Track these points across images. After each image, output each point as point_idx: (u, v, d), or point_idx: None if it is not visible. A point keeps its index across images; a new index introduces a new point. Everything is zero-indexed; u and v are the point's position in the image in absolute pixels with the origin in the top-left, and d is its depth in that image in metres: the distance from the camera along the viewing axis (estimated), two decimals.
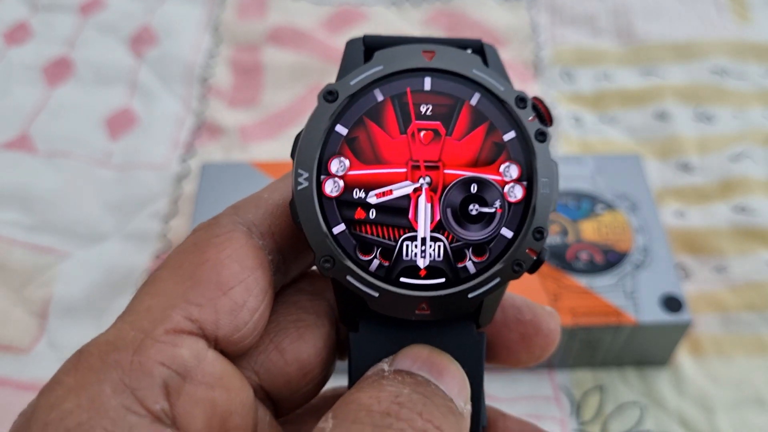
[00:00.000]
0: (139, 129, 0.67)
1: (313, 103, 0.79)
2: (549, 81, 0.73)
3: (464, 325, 0.26)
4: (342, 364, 0.28)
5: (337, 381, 0.29)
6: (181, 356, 0.22)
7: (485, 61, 0.26)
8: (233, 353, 0.24)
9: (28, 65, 0.71)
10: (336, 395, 0.29)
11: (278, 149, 0.66)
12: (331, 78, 0.68)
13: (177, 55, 0.73)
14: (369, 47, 0.26)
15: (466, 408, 0.24)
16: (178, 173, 0.64)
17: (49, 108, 0.68)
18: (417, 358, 0.24)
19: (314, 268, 0.28)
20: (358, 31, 0.77)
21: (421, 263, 0.24)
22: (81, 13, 0.76)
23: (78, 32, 0.74)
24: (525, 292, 0.39)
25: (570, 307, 0.48)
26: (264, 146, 0.67)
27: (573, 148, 0.67)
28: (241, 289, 0.23)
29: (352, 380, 0.25)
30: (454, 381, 0.24)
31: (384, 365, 0.24)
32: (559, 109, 0.70)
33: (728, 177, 0.63)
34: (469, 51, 0.26)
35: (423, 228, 0.25)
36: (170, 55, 0.73)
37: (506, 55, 0.75)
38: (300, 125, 0.78)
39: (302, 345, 0.26)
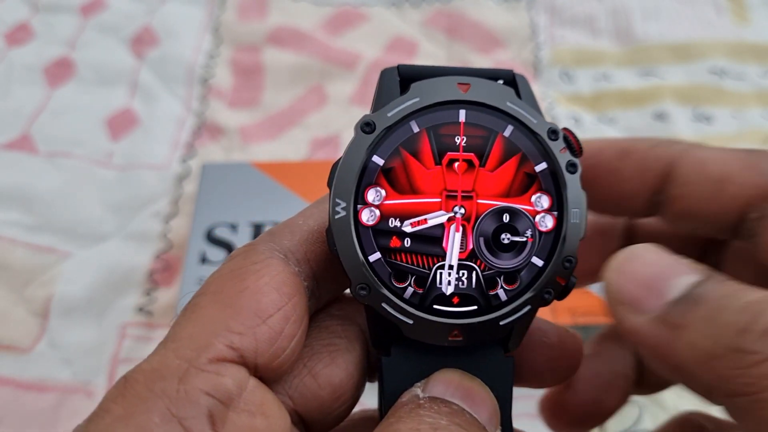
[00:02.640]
0: (140, 129, 0.67)
1: (313, 104, 0.79)
2: (548, 81, 0.73)
3: (493, 350, 0.26)
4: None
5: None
6: (225, 385, 0.22)
7: (518, 93, 0.27)
8: (271, 379, 0.24)
9: (29, 66, 0.71)
10: (365, 417, 0.30)
11: (278, 150, 0.67)
12: (332, 79, 0.68)
13: (177, 55, 0.73)
14: (404, 78, 0.27)
15: None
16: (178, 173, 0.64)
17: (50, 108, 0.68)
18: (449, 383, 0.25)
19: (346, 292, 0.29)
20: (359, 32, 0.77)
21: (447, 290, 0.25)
22: (82, 13, 0.76)
23: (79, 33, 0.75)
24: None
25: (569, 306, 0.49)
26: (264, 147, 0.67)
27: None
28: (279, 316, 0.24)
29: (384, 404, 0.26)
30: (485, 407, 0.24)
31: (418, 390, 0.25)
32: (558, 110, 0.70)
33: None
34: (500, 82, 0.27)
35: (450, 256, 0.25)
36: (171, 55, 0.73)
37: (505, 56, 0.75)
38: (300, 125, 0.78)
39: (335, 369, 0.26)
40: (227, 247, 0.55)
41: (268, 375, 0.24)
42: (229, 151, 0.66)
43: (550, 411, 0.33)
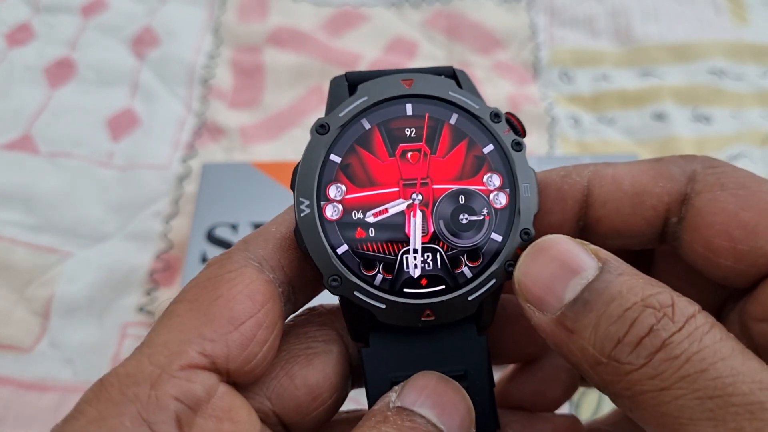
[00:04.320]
0: (141, 130, 0.67)
1: (313, 104, 0.79)
2: (548, 82, 0.73)
3: (468, 330, 0.27)
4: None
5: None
6: (194, 391, 0.23)
7: (459, 84, 0.28)
8: (245, 383, 0.26)
9: (30, 66, 0.71)
10: (349, 418, 0.30)
11: (279, 150, 0.67)
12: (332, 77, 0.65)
13: (178, 56, 0.73)
14: (351, 82, 0.28)
15: None
16: (179, 173, 0.64)
17: (51, 109, 0.68)
18: (422, 390, 0.25)
19: (321, 303, 0.30)
20: (359, 33, 0.77)
21: (414, 273, 0.26)
22: (82, 14, 0.76)
23: (80, 33, 0.75)
24: None
25: None
26: (264, 147, 0.67)
27: (571, 148, 0.67)
28: (251, 323, 0.25)
29: (370, 395, 0.27)
30: (457, 414, 0.25)
31: (392, 395, 0.25)
32: (558, 110, 0.70)
33: None
34: (442, 77, 0.29)
35: (414, 240, 0.26)
36: (171, 56, 0.73)
37: (505, 56, 0.75)
38: (300, 126, 0.78)
39: (311, 370, 0.27)
40: (228, 247, 0.55)
41: (241, 379, 0.25)
42: (229, 151, 0.67)
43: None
